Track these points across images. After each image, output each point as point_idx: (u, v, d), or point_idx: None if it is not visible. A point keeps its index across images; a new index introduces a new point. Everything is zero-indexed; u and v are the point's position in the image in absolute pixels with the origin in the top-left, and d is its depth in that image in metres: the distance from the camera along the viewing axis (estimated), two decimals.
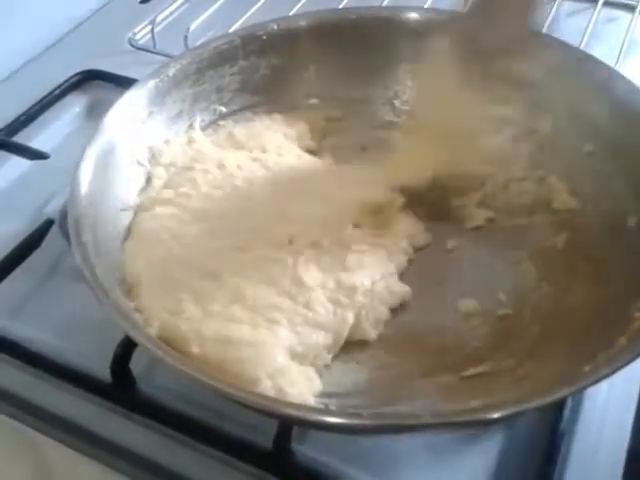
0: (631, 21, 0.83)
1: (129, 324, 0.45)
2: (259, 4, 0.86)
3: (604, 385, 0.52)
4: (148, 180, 0.59)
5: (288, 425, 0.48)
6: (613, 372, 0.42)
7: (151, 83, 0.59)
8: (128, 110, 0.57)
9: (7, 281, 0.59)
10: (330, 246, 0.54)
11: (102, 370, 0.52)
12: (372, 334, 0.53)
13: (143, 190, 0.58)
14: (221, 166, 0.60)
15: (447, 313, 0.54)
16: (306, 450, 0.48)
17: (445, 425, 0.42)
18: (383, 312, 0.54)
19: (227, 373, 0.47)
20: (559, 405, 0.50)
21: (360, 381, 0.51)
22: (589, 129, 0.57)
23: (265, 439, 0.48)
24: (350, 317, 0.52)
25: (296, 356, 0.49)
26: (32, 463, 0.51)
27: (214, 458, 0.49)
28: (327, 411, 0.46)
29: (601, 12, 0.84)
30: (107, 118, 0.55)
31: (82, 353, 0.54)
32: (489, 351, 0.51)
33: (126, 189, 0.57)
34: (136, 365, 0.52)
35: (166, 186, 0.58)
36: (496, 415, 0.40)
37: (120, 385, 0.52)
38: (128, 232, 0.55)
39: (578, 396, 0.52)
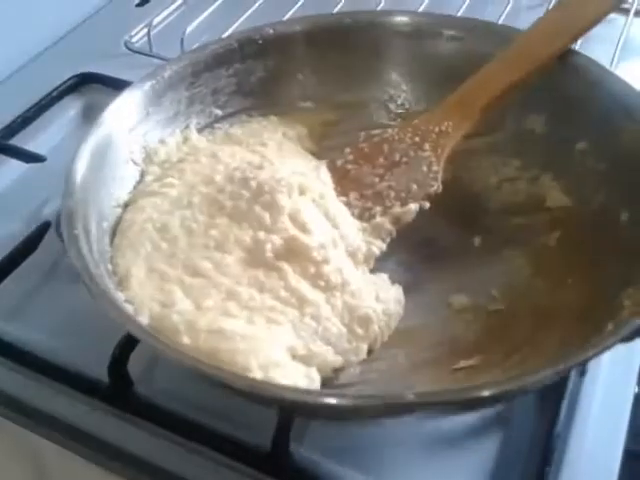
0: (625, 24, 0.83)
1: (120, 312, 0.45)
2: (254, 8, 0.87)
3: (599, 386, 0.53)
4: (141, 177, 0.59)
5: (286, 426, 0.48)
6: (598, 353, 0.42)
7: (147, 84, 0.59)
8: (124, 110, 0.57)
9: (4, 283, 0.59)
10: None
11: (99, 372, 0.52)
12: (376, 348, 0.53)
13: (135, 187, 0.58)
14: (213, 155, 0.59)
15: (439, 309, 0.55)
16: (304, 451, 0.49)
17: (431, 405, 0.41)
18: (390, 329, 0.53)
19: (219, 364, 0.46)
20: (555, 406, 0.50)
21: (351, 374, 0.51)
22: (582, 128, 0.58)
23: (263, 440, 0.48)
24: (365, 351, 0.51)
25: (297, 358, 0.48)
26: (30, 465, 0.51)
27: (212, 460, 0.49)
28: (307, 391, 0.46)
29: None
30: (103, 117, 0.56)
31: (79, 355, 0.54)
32: (481, 345, 0.52)
33: (120, 187, 0.57)
34: (133, 367, 0.52)
35: (155, 180, 0.58)
36: (485, 393, 0.40)
37: (117, 387, 0.52)
38: (116, 227, 0.55)
39: (574, 397, 0.52)
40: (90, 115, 0.76)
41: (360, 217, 0.58)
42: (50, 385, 0.53)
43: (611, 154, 0.55)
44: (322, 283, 0.51)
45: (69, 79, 0.79)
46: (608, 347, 0.42)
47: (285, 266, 0.51)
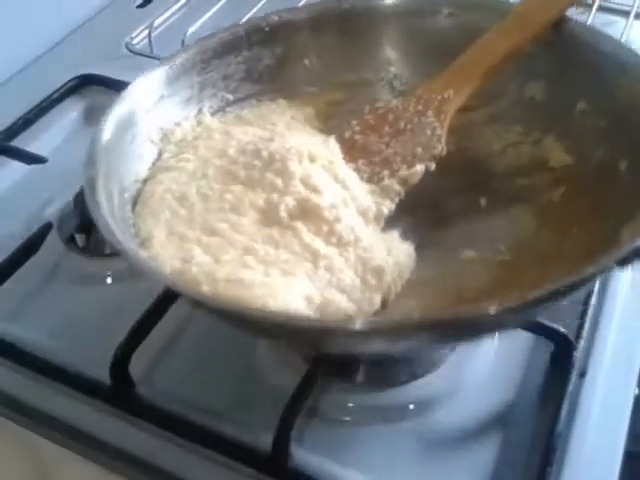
0: (625, 26, 0.83)
1: (147, 261, 0.46)
2: (256, 9, 0.87)
3: (600, 388, 0.53)
4: (159, 156, 0.59)
5: (286, 427, 0.48)
6: (600, 271, 0.44)
7: (161, 70, 0.60)
8: (140, 93, 0.58)
9: (6, 284, 0.59)
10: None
11: (101, 373, 0.52)
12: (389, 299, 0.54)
13: (154, 164, 0.59)
14: (226, 133, 0.61)
15: (448, 263, 0.56)
16: (304, 452, 0.49)
17: (438, 323, 0.42)
18: (402, 281, 0.55)
19: None
20: (556, 406, 0.50)
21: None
22: (580, 89, 0.59)
23: (263, 441, 0.48)
24: (378, 301, 0.52)
25: (312, 306, 0.49)
26: (30, 465, 0.51)
27: (212, 461, 0.49)
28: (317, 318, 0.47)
29: (596, 17, 0.84)
30: (122, 97, 0.56)
31: (81, 356, 0.54)
32: (489, 292, 0.53)
33: (140, 163, 0.57)
34: (135, 368, 0.52)
35: (172, 157, 0.59)
36: (491, 310, 0.40)
37: (119, 388, 0.52)
38: (137, 198, 0.56)
39: (574, 398, 0.52)
40: (91, 117, 0.77)
41: (369, 181, 0.60)
42: (52, 386, 0.53)
43: (609, 111, 0.57)
44: (335, 240, 0.53)
45: (70, 81, 0.79)
46: (608, 266, 0.44)
47: (299, 225, 0.53)
